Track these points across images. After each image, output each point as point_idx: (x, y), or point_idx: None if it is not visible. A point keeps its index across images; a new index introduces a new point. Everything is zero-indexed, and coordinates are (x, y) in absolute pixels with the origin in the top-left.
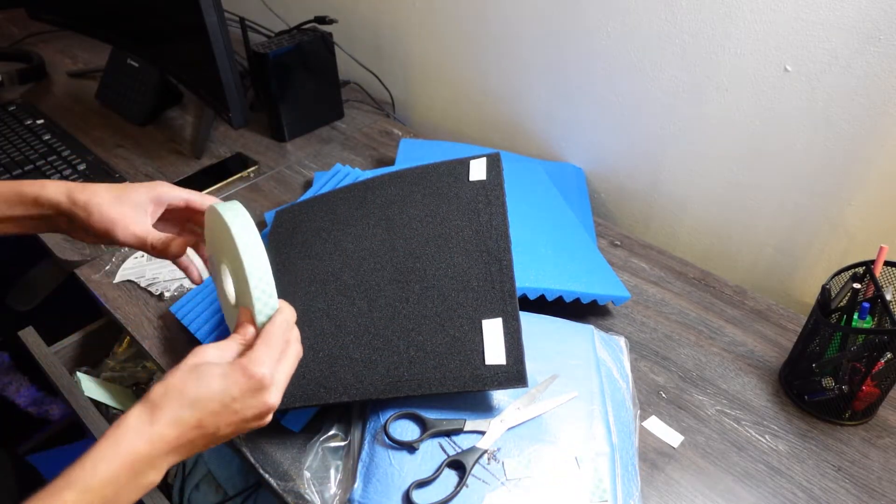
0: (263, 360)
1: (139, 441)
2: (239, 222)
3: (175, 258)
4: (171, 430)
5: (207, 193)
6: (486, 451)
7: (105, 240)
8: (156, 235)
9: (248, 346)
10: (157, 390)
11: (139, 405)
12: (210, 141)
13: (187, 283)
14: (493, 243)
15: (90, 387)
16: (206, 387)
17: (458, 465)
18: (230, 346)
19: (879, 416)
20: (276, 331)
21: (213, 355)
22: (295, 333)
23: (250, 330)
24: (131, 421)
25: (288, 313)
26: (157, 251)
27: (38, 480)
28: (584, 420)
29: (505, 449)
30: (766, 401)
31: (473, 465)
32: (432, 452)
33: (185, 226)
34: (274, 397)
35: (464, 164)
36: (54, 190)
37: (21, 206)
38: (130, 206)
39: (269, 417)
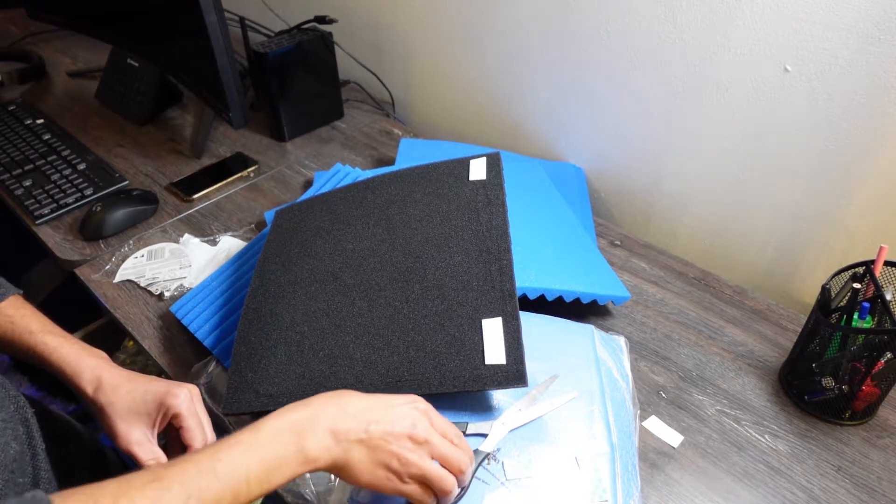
0: None
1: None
2: None
3: None
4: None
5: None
6: (488, 454)
7: None
8: (144, 453)
9: None
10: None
11: (291, 432)
12: (210, 141)
13: (187, 283)
14: (493, 243)
15: None
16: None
17: None
18: None
19: (879, 416)
20: None
21: None
22: None
23: None
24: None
25: None
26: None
27: None
28: (584, 420)
29: (505, 449)
30: (766, 401)
31: (476, 468)
32: None
33: None
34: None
35: (464, 164)
36: (87, 381)
37: (53, 370)
38: (142, 416)
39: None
